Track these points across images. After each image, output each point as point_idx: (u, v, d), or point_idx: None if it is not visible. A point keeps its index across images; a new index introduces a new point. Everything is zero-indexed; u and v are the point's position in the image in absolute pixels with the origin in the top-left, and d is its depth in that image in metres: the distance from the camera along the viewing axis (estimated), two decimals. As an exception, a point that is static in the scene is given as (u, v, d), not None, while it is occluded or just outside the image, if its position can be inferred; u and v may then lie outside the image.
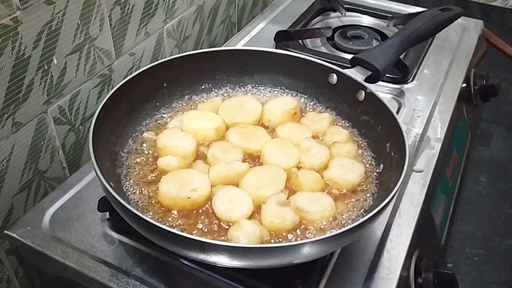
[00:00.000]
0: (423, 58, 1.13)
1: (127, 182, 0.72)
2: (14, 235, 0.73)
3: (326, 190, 0.72)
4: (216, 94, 0.89)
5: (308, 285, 0.66)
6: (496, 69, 1.41)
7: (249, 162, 0.75)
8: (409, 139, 0.90)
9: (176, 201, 0.67)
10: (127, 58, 0.95)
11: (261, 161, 0.76)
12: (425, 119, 0.96)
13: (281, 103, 0.84)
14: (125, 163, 0.76)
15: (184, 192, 0.67)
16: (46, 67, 0.77)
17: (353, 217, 0.69)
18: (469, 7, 1.74)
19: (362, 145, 0.80)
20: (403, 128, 0.70)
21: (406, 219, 0.76)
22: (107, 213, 0.74)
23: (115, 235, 0.73)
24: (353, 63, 0.85)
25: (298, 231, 0.66)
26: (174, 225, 0.66)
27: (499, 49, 1.47)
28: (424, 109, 0.98)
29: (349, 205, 0.70)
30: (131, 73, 0.79)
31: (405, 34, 0.88)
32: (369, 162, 0.77)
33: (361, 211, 0.70)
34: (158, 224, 0.57)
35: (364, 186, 0.73)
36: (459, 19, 0.91)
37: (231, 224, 0.66)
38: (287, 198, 0.68)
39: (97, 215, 0.75)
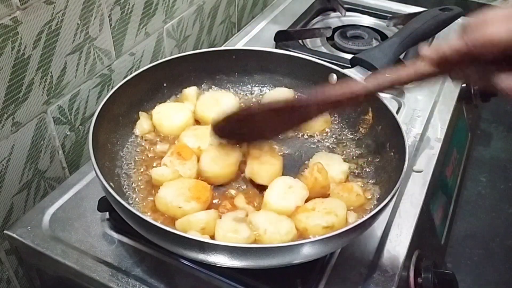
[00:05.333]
0: (423, 58, 1.13)
1: (127, 182, 0.72)
2: (14, 235, 0.73)
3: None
4: (216, 94, 0.89)
5: (308, 285, 0.66)
6: (496, 69, 1.41)
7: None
8: (409, 139, 0.90)
9: (167, 208, 0.67)
10: (127, 58, 0.95)
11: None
12: (425, 119, 0.96)
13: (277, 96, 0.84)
14: (125, 163, 0.76)
15: (178, 202, 0.67)
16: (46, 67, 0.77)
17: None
18: (469, 7, 1.74)
19: (362, 145, 0.80)
20: (403, 128, 0.71)
21: (406, 219, 0.76)
22: (107, 213, 0.74)
23: (115, 235, 0.73)
24: (353, 63, 0.85)
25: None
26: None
27: (499, 49, 1.47)
28: (424, 109, 0.98)
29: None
30: (131, 73, 0.79)
31: (405, 34, 0.88)
32: (369, 162, 0.77)
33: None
34: (158, 224, 0.57)
35: (364, 186, 0.73)
36: (459, 19, 0.91)
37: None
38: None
39: (97, 215, 0.75)
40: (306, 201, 0.69)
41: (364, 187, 0.72)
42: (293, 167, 0.77)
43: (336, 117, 0.85)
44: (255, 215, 0.65)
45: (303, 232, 0.65)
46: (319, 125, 0.83)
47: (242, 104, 0.72)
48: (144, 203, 0.70)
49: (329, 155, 0.77)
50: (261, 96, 0.89)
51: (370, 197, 0.71)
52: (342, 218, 0.66)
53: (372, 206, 0.69)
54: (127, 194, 0.71)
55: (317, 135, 0.83)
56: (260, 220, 0.64)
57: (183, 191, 0.68)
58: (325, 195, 0.71)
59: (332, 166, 0.74)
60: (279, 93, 0.86)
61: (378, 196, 0.71)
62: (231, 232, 0.63)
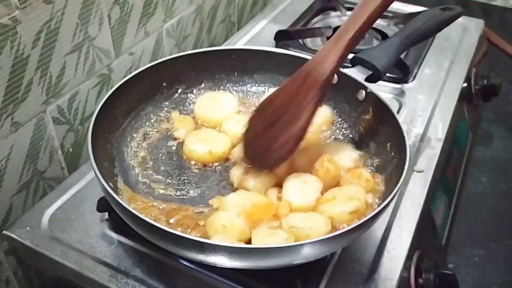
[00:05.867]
0: (423, 58, 1.13)
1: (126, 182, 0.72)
2: (13, 236, 0.73)
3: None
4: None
5: (308, 285, 0.66)
6: (497, 68, 1.41)
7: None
8: (410, 139, 0.90)
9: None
10: (126, 58, 0.94)
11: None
12: (426, 119, 0.95)
13: None
14: (124, 163, 0.75)
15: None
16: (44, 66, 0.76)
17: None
18: (470, 7, 1.74)
19: (363, 145, 0.79)
20: (404, 128, 0.70)
21: (407, 220, 0.76)
22: (106, 213, 0.74)
23: (114, 235, 0.72)
24: (353, 63, 0.84)
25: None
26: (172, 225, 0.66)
27: (500, 48, 1.47)
28: (425, 108, 0.98)
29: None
30: (130, 73, 0.79)
31: (406, 34, 0.87)
32: (370, 162, 0.76)
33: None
34: (158, 225, 0.57)
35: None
36: (459, 19, 0.90)
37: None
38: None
39: (96, 215, 0.74)
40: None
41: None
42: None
43: (336, 117, 0.85)
44: (289, 218, 0.64)
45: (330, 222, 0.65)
46: (320, 124, 0.82)
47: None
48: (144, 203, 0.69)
49: (340, 144, 0.78)
50: (261, 96, 0.89)
51: (378, 180, 0.72)
52: (364, 201, 0.66)
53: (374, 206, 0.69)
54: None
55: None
56: (296, 220, 0.64)
57: (246, 202, 0.66)
58: (337, 185, 0.71)
59: (342, 154, 0.74)
60: None
61: (379, 196, 0.70)
62: (268, 236, 0.62)
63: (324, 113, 0.83)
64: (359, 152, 0.76)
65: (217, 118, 0.82)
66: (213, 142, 0.77)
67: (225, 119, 0.81)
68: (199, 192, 0.73)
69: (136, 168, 0.75)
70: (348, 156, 0.75)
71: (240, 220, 0.64)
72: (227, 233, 0.62)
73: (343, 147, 0.77)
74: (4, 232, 0.73)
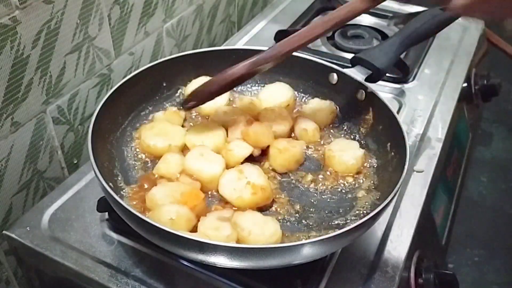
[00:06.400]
0: (423, 58, 1.13)
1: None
2: (13, 236, 0.73)
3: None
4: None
5: (308, 285, 0.66)
6: (497, 68, 1.41)
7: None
8: (410, 139, 0.90)
9: (154, 206, 0.67)
10: (126, 58, 0.94)
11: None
12: (426, 119, 0.95)
13: (275, 95, 0.84)
14: (124, 163, 0.75)
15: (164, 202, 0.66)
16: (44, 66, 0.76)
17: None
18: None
19: (363, 145, 0.79)
20: (404, 128, 0.70)
21: (407, 220, 0.76)
22: (106, 213, 0.74)
23: (114, 235, 0.72)
24: (353, 63, 0.84)
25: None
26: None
27: (500, 48, 1.47)
28: (424, 109, 0.98)
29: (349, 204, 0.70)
30: (130, 73, 0.79)
31: (406, 34, 0.87)
32: (370, 162, 0.76)
33: (362, 211, 0.69)
34: (158, 225, 0.56)
35: (365, 186, 0.73)
36: (459, 19, 0.90)
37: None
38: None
39: (96, 215, 0.74)
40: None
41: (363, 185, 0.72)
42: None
43: (336, 117, 0.85)
44: (240, 216, 0.64)
45: None
46: (326, 118, 0.83)
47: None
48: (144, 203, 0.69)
49: (346, 141, 0.78)
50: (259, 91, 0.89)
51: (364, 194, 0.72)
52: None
53: (371, 206, 0.69)
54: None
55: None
56: (244, 220, 0.63)
57: (175, 194, 0.67)
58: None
59: (347, 151, 0.75)
60: (276, 88, 0.86)
61: (379, 196, 0.71)
62: (211, 229, 0.62)
63: (326, 105, 0.83)
64: (363, 150, 0.76)
65: (205, 108, 0.82)
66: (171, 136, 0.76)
67: (213, 110, 0.81)
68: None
69: (136, 168, 0.75)
70: (352, 152, 0.75)
71: (184, 209, 0.64)
72: (176, 225, 0.62)
73: (349, 144, 0.77)
74: (4, 232, 0.74)
